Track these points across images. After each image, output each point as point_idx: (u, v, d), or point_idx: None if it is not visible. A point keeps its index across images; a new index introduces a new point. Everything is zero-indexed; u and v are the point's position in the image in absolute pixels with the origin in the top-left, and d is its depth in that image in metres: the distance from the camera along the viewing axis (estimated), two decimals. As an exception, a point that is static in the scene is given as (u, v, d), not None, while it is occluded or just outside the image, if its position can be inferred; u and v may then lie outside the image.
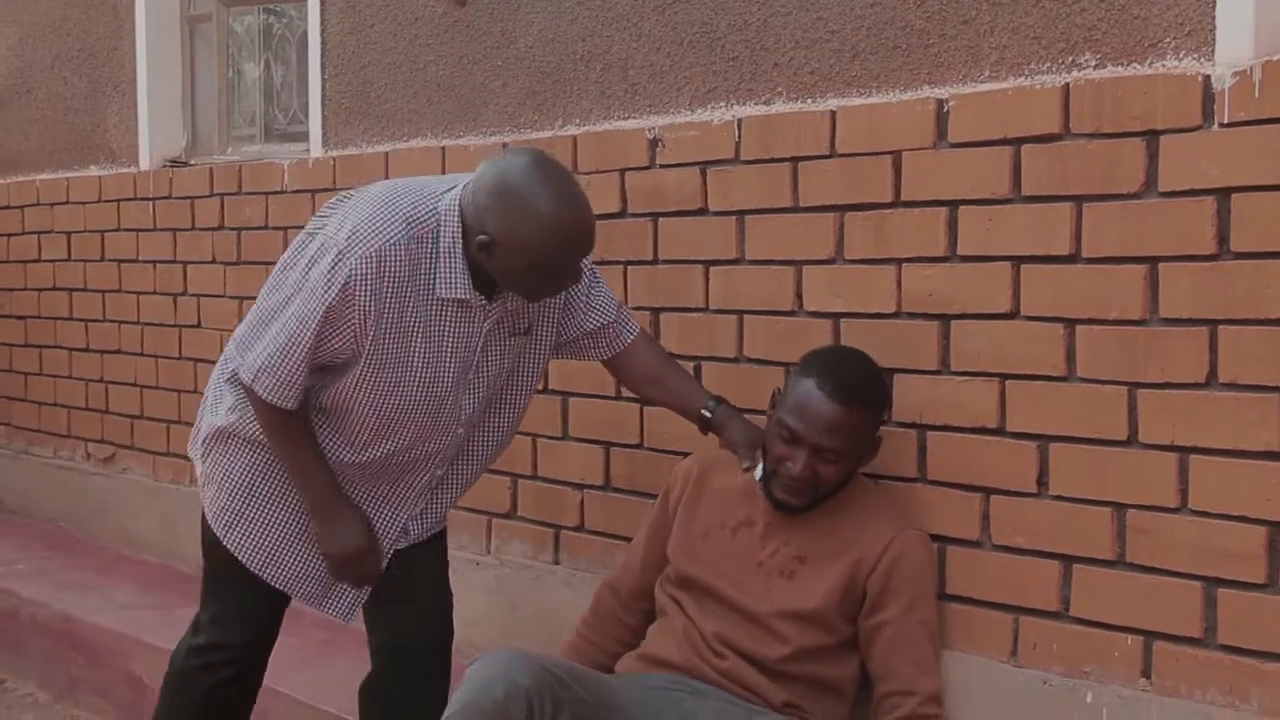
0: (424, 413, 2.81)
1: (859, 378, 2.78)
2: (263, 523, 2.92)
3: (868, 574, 2.77)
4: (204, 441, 2.99)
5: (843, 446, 2.73)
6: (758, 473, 2.84)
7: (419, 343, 2.74)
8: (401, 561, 2.97)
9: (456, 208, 2.70)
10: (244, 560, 2.93)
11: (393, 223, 2.68)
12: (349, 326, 2.68)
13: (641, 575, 3.05)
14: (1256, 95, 2.40)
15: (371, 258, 2.65)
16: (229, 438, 2.92)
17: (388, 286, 2.67)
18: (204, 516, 3.02)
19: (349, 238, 2.67)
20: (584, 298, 2.95)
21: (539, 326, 2.92)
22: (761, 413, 2.90)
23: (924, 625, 2.78)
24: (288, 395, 2.74)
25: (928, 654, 2.77)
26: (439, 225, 2.70)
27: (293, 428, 2.82)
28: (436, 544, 3.04)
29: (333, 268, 2.66)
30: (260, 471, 2.91)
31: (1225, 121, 2.44)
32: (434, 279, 2.71)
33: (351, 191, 2.87)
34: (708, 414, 2.96)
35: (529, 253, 2.63)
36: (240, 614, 2.99)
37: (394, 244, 2.66)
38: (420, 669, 2.99)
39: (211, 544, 3.00)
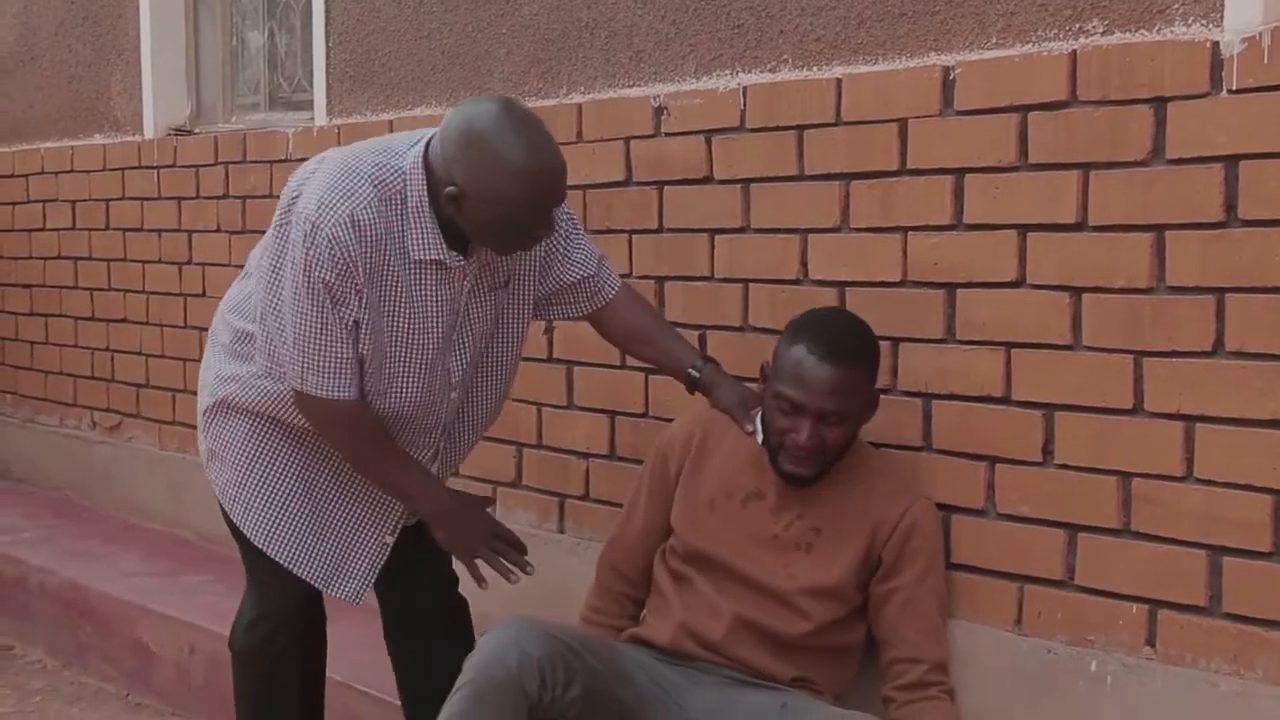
0: (416, 379, 2.77)
1: (848, 335, 2.75)
2: (264, 497, 2.89)
3: (885, 541, 2.76)
4: (204, 414, 2.97)
5: (845, 408, 2.71)
6: (759, 438, 2.83)
7: (403, 307, 2.70)
8: (412, 535, 2.96)
9: (421, 164, 2.64)
10: (249, 534, 2.91)
11: (359, 186, 2.62)
12: (353, 292, 2.63)
13: (645, 547, 3.00)
14: (1265, 62, 2.38)
15: (345, 223, 2.60)
16: (227, 409, 2.91)
17: (367, 250, 2.62)
18: (216, 496, 3.00)
19: (318, 209, 2.61)
20: (562, 250, 2.90)
21: (518, 279, 2.86)
22: (766, 381, 2.90)
23: (934, 593, 2.78)
24: (341, 384, 2.69)
25: (936, 622, 2.78)
26: (405, 185, 2.64)
27: (374, 439, 2.78)
28: None
29: (311, 244, 2.60)
30: (258, 442, 2.89)
31: (1234, 88, 2.43)
32: (405, 241, 2.66)
33: (318, 158, 2.80)
34: (695, 373, 2.91)
35: (499, 204, 2.57)
36: (279, 579, 2.94)
37: (364, 206, 2.61)
38: (438, 630, 3.00)
39: (229, 520, 2.98)
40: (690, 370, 2.92)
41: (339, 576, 2.93)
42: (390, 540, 2.94)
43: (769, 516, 2.81)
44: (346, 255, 2.60)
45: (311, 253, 2.61)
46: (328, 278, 2.61)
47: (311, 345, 2.66)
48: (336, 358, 2.67)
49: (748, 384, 2.94)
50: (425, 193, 2.64)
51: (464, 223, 2.64)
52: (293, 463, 2.90)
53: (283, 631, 2.98)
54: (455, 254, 2.70)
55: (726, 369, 2.97)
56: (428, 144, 2.66)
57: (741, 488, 2.85)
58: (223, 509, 2.98)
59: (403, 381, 2.77)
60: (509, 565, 2.89)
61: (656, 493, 2.98)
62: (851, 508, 2.79)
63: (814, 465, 2.74)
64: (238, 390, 2.87)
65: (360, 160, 2.67)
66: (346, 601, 2.96)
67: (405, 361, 2.75)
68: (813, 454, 2.72)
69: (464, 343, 2.82)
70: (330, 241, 2.59)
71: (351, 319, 2.66)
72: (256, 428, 2.89)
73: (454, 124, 2.61)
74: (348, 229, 2.60)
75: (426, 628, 3.05)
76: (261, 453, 2.90)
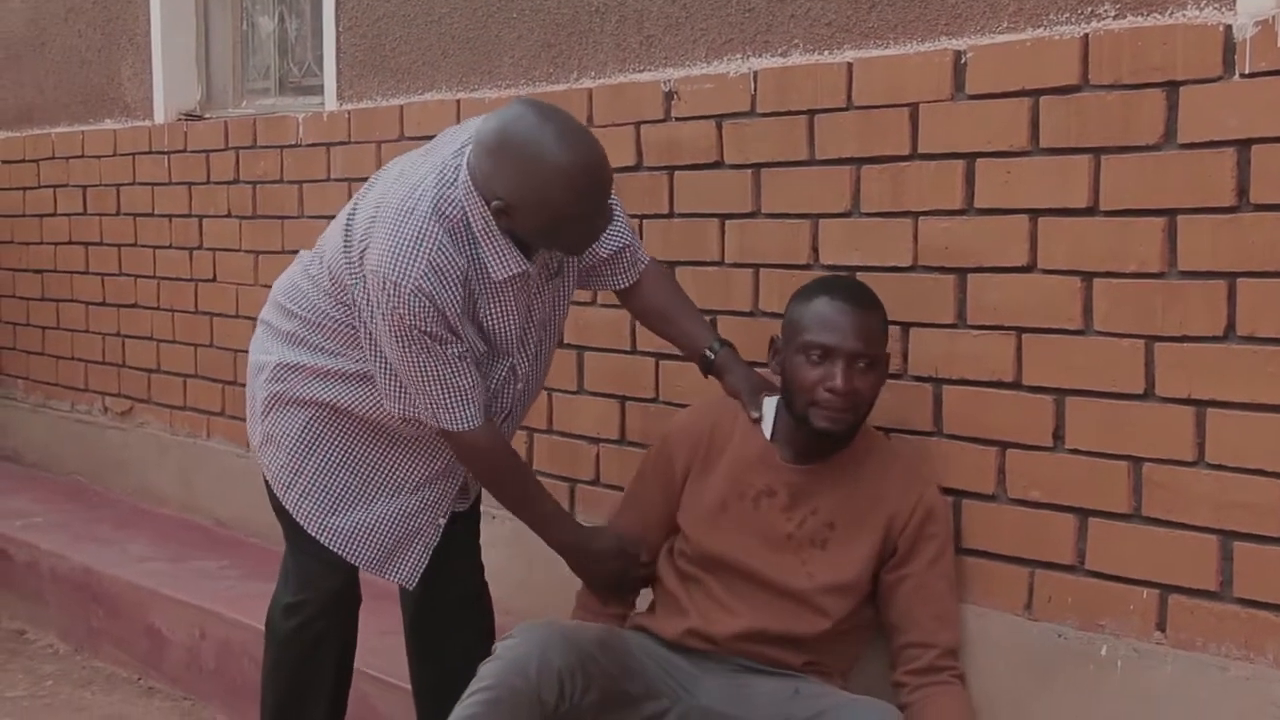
0: (494, 379, 2.80)
1: (859, 286, 2.79)
2: (320, 486, 2.90)
3: (901, 530, 2.75)
4: (264, 401, 2.96)
5: (874, 350, 2.70)
6: (766, 428, 2.82)
7: (487, 322, 2.72)
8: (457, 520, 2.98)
9: (472, 187, 2.62)
10: (302, 521, 2.91)
11: (426, 228, 2.60)
12: (450, 331, 2.63)
13: (644, 535, 2.95)
14: (1278, 45, 2.37)
15: (426, 273, 2.58)
16: (286, 401, 2.91)
17: (453, 290, 2.61)
18: (266, 480, 3.01)
19: (394, 266, 2.58)
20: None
21: (567, 262, 2.87)
22: (777, 367, 2.89)
23: (946, 577, 2.77)
24: (469, 413, 2.70)
25: (949, 607, 2.77)
26: (465, 211, 2.62)
27: (513, 468, 2.83)
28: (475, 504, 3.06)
29: (399, 303, 2.59)
30: (317, 430, 2.89)
31: (1246, 72, 2.42)
32: (484, 265, 2.65)
33: (374, 203, 2.74)
34: (710, 355, 2.90)
35: (549, 208, 2.56)
36: (322, 564, 2.94)
37: (438, 249, 2.59)
38: (458, 615, 3.01)
39: (278, 504, 2.98)
40: (706, 352, 2.91)
41: (394, 560, 2.94)
42: (443, 522, 2.96)
43: (781, 515, 2.78)
44: (435, 303, 2.60)
45: (400, 310, 2.60)
46: (426, 327, 2.61)
47: (434, 387, 2.68)
48: (458, 390, 2.69)
49: (761, 369, 2.94)
50: (487, 212, 2.62)
51: (520, 232, 2.63)
52: (349, 453, 2.90)
53: (323, 617, 2.99)
54: (531, 263, 2.70)
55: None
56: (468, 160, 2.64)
57: (752, 486, 2.81)
58: (271, 494, 2.99)
59: (487, 382, 2.78)
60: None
61: (658, 486, 2.93)
62: (864, 499, 2.77)
63: (848, 416, 2.69)
64: (300, 380, 2.88)
65: (418, 199, 2.63)
66: (403, 584, 2.97)
67: (485, 369, 2.77)
68: (848, 402, 2.67)
69: (529, 338, 2.84)
70: (416, 295, 2.58)
71: (457, 352, 2.67)
72: (316, 417, 2.89)
73: (486, 135, 2.58)
74: (430, 279, 2.59)
75: (447, 612, 3.06)
76: (319, 442, 2.90)
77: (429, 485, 2.92)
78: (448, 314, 2.62)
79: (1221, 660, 2.51)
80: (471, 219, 2.63)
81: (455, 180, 2.63)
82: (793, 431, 2.78)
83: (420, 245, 2.59)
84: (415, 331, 2.61)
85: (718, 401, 2.93)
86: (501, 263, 2.66)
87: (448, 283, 2.61)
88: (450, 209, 2.62)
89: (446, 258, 2.60)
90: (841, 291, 2.72)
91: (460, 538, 3.03)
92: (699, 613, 2.81)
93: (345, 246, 2.75)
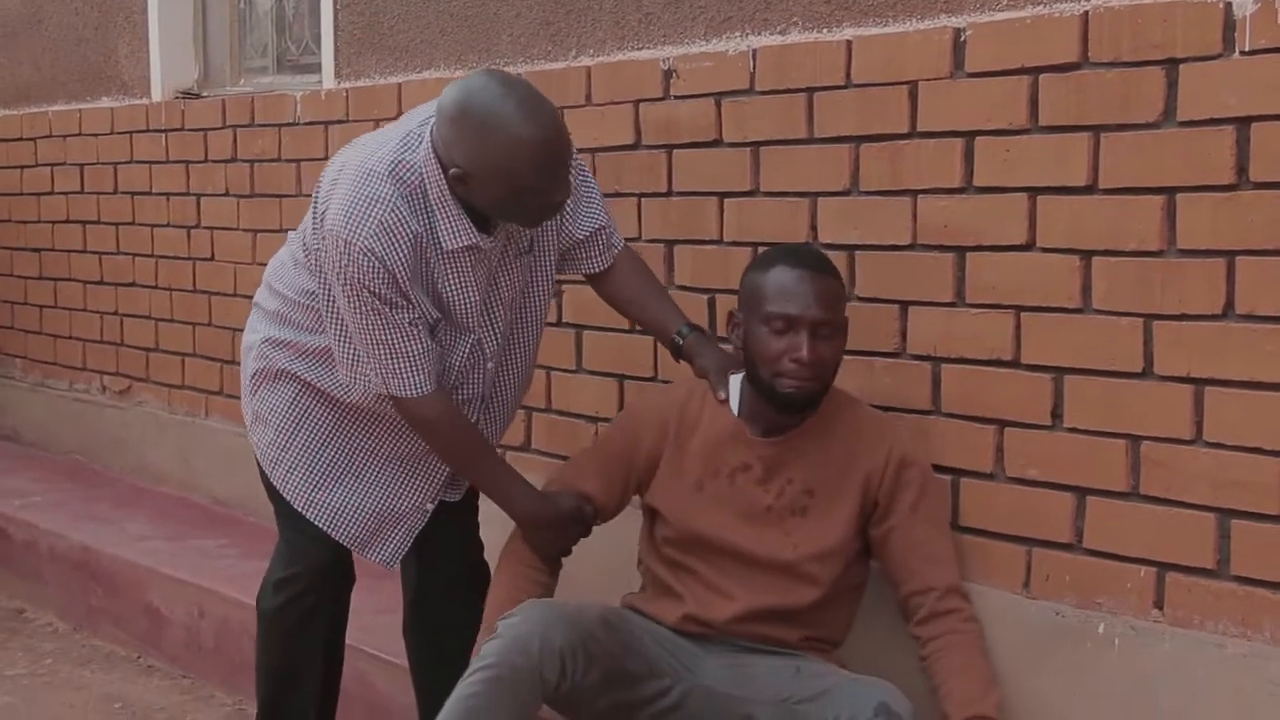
0: (455, 357, 2.80)
1: (815, 252, 2.78)
2: (305, 462, 2.91)
3: (878, 485, 2.74)
4: (251, 379, 2.99)
5: (836, 317, 2.69)
6: (734, 406, 2.79)
7: (445, 293, 2.72)
8: (446, 501, 2.99)
9: (433, 154, 2.63)
10: (288, 497, 2.92)
11: (380, 189, 2.61)
12: (400, 294, 2.64)
13: (600, 500, 2.90)
14: (1279, 22, 2.37)
15: (376, 232, 2.60)
16: (274, 375, 2.92)
17: (403, 251, 2.62)
18: (257, 459, 3.02)
19: (346, 224, 2.61)
20: (572, 204, 2.88)
21: (540, 242, 2.86)
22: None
23: (930, 521, 2.75)
24: (419, 380, 2.70)
25: (940, 547, 2.75)
26: (422, 178, 2.64)
27: (466, 437, 2.80)
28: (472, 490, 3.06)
29: (349, 261, 2.61)
30: (304, 406, 2.91)
31: (1246, 49, 2.41)
32: (436, 233, 2.66)
33: (337, 166, 2.77)
34: (679, 339, 2.89)
35: (505, 177, 2.55)
36: (310, 539, 2.95)
37: (390, 209, 2.61)
38: (459, 596, 3.01)
39: (267, 481, 3.00)
40: (675, 336, 2.91)
41: (376, 541, 2.95)
42: (430, 507, 2.97)
43: (758, 488, 2.78)
44: (385, 263, 2.61)
45: (351, 269, 2.61)
46: (376, 289, 2.62)
47: (382, 351, 2.68)
48: (407, 355, 2.68)
49: (723, 344, 2.93)
50: (443, 181, 2.63)
51: (477, 202, 2.63)
52: (336, 429, 2.91)
53: (311, 592, 2.99)
54: (485, 236, 2.69)
55: (736, 332, 2.97)
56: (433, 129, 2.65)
57: (726, 464, 2.79)
58: (261, 471, 3.01)
59: (447, 359, 2.79)
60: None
61: (619, 460, 2.89)
62: (839, 461, 2.76)
63: (814, 385, 2.69)
64: (283, 356, 2.89)
65: (375, 161, 2.66)
66: (382, 565, 2.98)
67: (447, 344, 2.77)
68: (814, 370, 2.67)
69: (495, 315, 2.83)
70: (366, 254, 2.60)
71: (409, 318, 2.67)
72: (301, 393, 2.91)
73: (446, 104, 2.59)
74: (380, 239, 2.60)
75: (447, 592, 3.06)
76: (305, 418, 2.92)
77: (414, 467, 2.93)
78: (397, 276, 2.62)
79: (1219, 638, 2.52)
80: (429, 186, 2.64)
81: (418, 146, 2.65)
82: (760, 406, 2.76)
83: (374, 206, 2.61)
84: (365, 292, 2.62)
85: (684, 384, 2.91)
86: (453, 232, 2.66)
87: (397, 244, 2.61)
88: (409, 174, 2.64)
89: (398, 219, 2.62)
90: (799, 259, 2.71)
91: (459, 517, 3.03)
92: (693, 598, 2.81)
93: (313, 211, 2.78)
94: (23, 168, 5.89)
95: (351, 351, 2.75)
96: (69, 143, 5.61)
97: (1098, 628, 2.68)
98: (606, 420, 3.60)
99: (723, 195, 3.28)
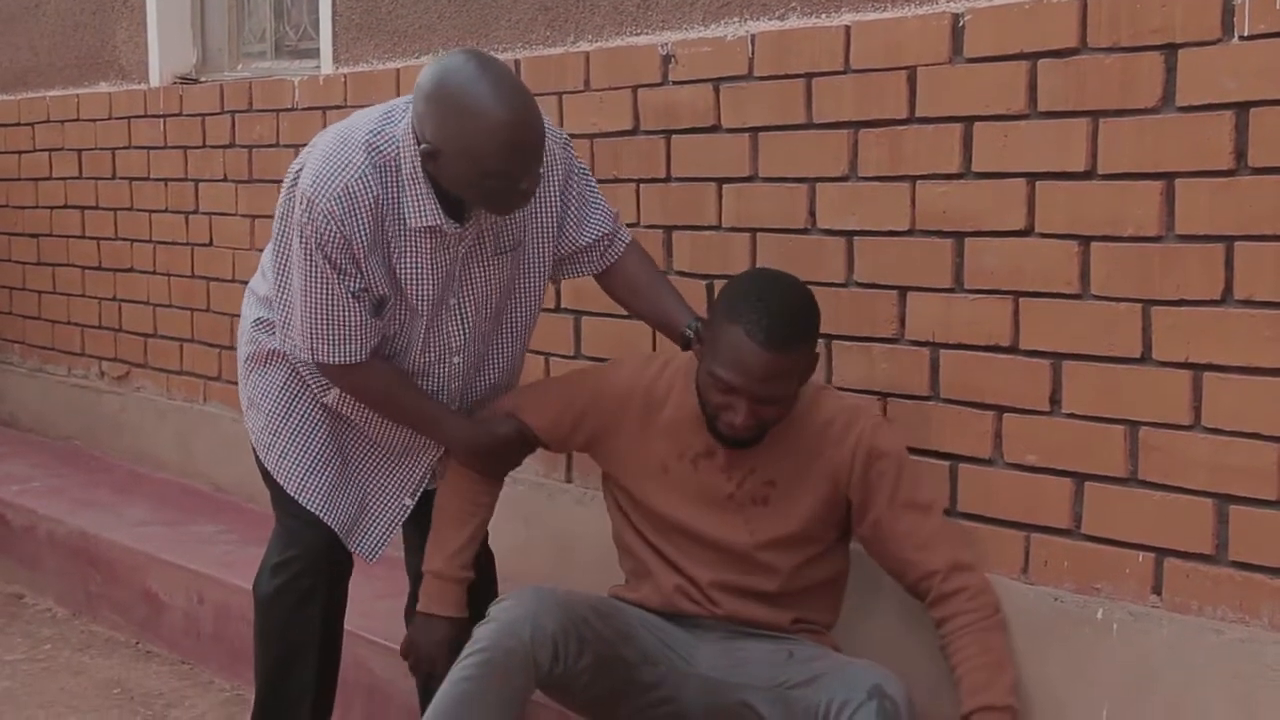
0: (412, 343, 2.80)
1: (789, 316, 2.60)
2: (297, 446, 2.92)
3: (846, 483, 2.72)
4: (244, 364, 3.00)
5: (785, 392, 2.63)
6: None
7: (398, 272, 2.71)
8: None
9: (412, 128, 2.63)
10: (281, 481, 2.93)
11: (353, 155, 2.63)
12: (353, 263, 2.65)
13: (548, 429, 2.90)
14: (1278, 7, 2.36)
15: (340, 195, 2.61)
16: (265, 359, 2.93)
17: (363, 221, 2.63)
18: (252, 445, 3.03)
19: (313, 184, 2.63)
20: (577, 212, 2.88)
21: (533, 241, 2.85)
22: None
23: (912, 507, 2.71)
24: (353, 349, 2.71)
25: (927, 532, 2.71)
26: (399, 151, 2.64)
27: (391, 387, 2.80)
28: None
29: (308, 220, 2.62)
30: (295, 390, 2.92)
31: (1245, 34, 2.41)
32: (402, 208, 2.65)
33: (322, 132, 2.81)
34: (689, 333, 2.85)
35: (472, 157, 2.54)
36: (306, 523, 2.95)
37: (359, 177, 2.62)
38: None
39: (262, 467, 3.00)
40: (685, 331, 2.87)
41: (357, 531, 2.97)
42: (410, 503, 2.97)
43: (721, 474, 2.76)
44: (343, 229, 2.62)
45: (309, 228, 2.63)
46: (329, 252, 2.63)
47: (320, 315, 2.69)
48: (345, 324, 2.69)
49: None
50: (418, 157, 2.63)
51: (444, 181, 2.63)
52: (325, 414, 2.93)
53: (308, 575, 2.99)
54: (453, 221, 2.68)
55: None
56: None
57: (691, 448, 2.77)
58: (256, 456, 3.01)
59: (400, 344, 2.79)
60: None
61: (573, 408, 2.87)
62: (804, 454, 2.73)
63: (751, 436, 2.67)
64: (274, 338, 2.90)
65: (355, 129, 2.68)
66: (362, 557, 2.99)
67: (402, 326, 2.77)
68: (750, 429, 2.64)
69: (464, 308, 2.82)
70: (326, 216, 2.61)
71: (358, 287, 2.68)
72: (292, 378, 2.92)
73: (425, 80, 2.59)
74: (342, 202, 2.61)
75: None
76: (295, 403, 2.93)
77: (399, 459, 2.94)
78: (353, 243, 2.63)
79: (1217, 623, 2.52)
80: (403, 160, 2.65)
81: (400, 120, 2.66)
82: None
83: (343, 170, 2.63)
84: (319, 254, 2.64)
85: (659, 360, 2.89)
86: (419, 210, 2.66)
87: (358, 211, 2.62)
88: (386, 145, 2.65)
89: (365, 187, 2.63)
90: (763, 331, 2.54)
91: None
92: (671, 578, 2.81)
93: (284, 191, 2.80)
94: (20, 153, 5.88)
95: (289, 315, 2.77)
96: (67, 128, 5.60)
97: (1096, 613, 2.68)
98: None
99: (721, 181, 3.27)
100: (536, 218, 2.83)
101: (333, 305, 2.68)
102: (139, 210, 5.24)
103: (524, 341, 3.00)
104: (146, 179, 5.19)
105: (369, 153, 2.63)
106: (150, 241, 5.20)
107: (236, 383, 3.13)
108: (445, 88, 2.55)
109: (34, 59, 5.83)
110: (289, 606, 3.01)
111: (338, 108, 4.32)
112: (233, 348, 4.66)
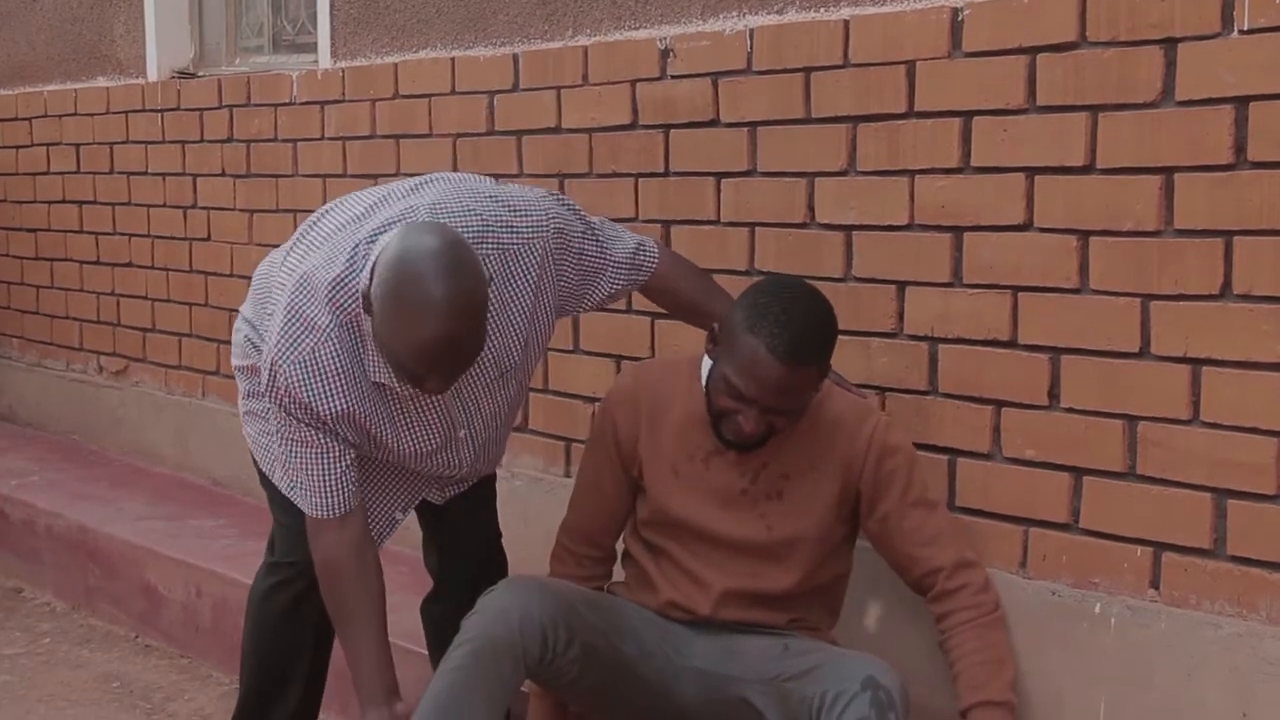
0: (422, 460, 2.77)
1: (809, 331, 2.58)
2: None
3: (858, 475, 2.72)
4: (238, 371, 3.00)
5: (797, 404, 2.63)
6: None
7: (389, 420, 2.66)
8: (460, 498, 2.97)
9: (370, 278, 2.51)
10: (279, 485, 2.90)
11: (316, 316, 2.53)
12: (324, 419, 2.60)
13: (612, 522, 2.91)
14: (1277, 1, 2.36)
15: (305, 362, 2.54)
16: (257, 372, 2.92)
17: (329, 384, 2.56)
18: (249, 446, 3.03)
19: (277, 348, 2.55)
20: (594, 277, 2.79)
21: (534, 335, 2.74)
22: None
23: (921, 504, 2.72)
24: (336, 501, 2.66)
25: (936, 528, 2.72)
26: (359, 309, 2.54)
27: (345, 590, 2.70)
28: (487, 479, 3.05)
29: (272, 386, 2.57)
30: None
31: (1245, 28, 2.41)
32: (365, 364, 2.58)
33: (314, 225, 2.73)
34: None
35: (390, 353, 2.43)
36: (302, 528, 2.86)
37: (324, 339, 2.53)
38: (479, 588, 3.00)
39: (260, 471, 3.00)
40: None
41: None
42: (401, 517, 2.93)
43: (733, 471, 2.74)
44: (309, 392, 2.56)
45: (274, 394, 2.58)
46: (295, 413, 2.59)
47: (297, 463, 2.64)
48: (322, 475, 2.64)
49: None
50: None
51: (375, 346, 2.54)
52: None
53: (303, 577, 2.97)
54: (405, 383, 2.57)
55: (732, 312, 2.96)
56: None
57: (701, 447, 2.76)
58: (253, 457, 3.02)
59: (409, 461, 2.77)
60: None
61: (607, 464, 2.86)
62: (817, 447, 2.73)
63: (758, 438, 2.66)
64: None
65: (317, 279, 2.55)
66: None
67: (406, 451, 2.73)
68: (757, 437, 2.64)
69: (474, 426, 2.77)
70: (289, 383, 2.55)
71: (327, 440, 2.62)
72: None
73: (390, 247, 2.43)
74: (306, 369, 2.54)
75: (466, 585, 3.04)
76: None
77: (395, 475, 2.89)
78: (319, 412, 2.57)
79: (1214, 617, 2.52)
80: (363, 317, 2.54)
81: (363, 269, 2.54)
82: None
83: (306, 334, 2.54)
84: (289, 411, 2.59)
85: (655, 363, 2.90)
86: (375, 367, 2.58)
87: (324, 376, 2.55)
88: (348, 300, 2.54)
89: (328, 351, 2.54)
90: (784, 344, 2.52)
91: (476, 505, 3.02)
92: (671, 586, 2.80)
93: (277, 283, 2.71)
94: (18, 147, 5.88)
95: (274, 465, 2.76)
96: (65, 122, 5.60)
97: (1094, 607, 2.68)
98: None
99: (720, 175, 3.27)
100: (535, 323, 2.72)
101: (307, 455, 2.63)
102: (137, 205, 5.24)
103: (526, 385, 2.93)
104: (144, 174, 5.19)
105: (332, 310, 2.53)
106: (148, 236, 5.20)
107: (234, 377, 3.13)
108: (399, 275, 2.39)
109: (31, 53, 5.82)
110: (283, 608, 3.01)
111: (336, 102, 4.32)
112: (230, 342, 4.68)
